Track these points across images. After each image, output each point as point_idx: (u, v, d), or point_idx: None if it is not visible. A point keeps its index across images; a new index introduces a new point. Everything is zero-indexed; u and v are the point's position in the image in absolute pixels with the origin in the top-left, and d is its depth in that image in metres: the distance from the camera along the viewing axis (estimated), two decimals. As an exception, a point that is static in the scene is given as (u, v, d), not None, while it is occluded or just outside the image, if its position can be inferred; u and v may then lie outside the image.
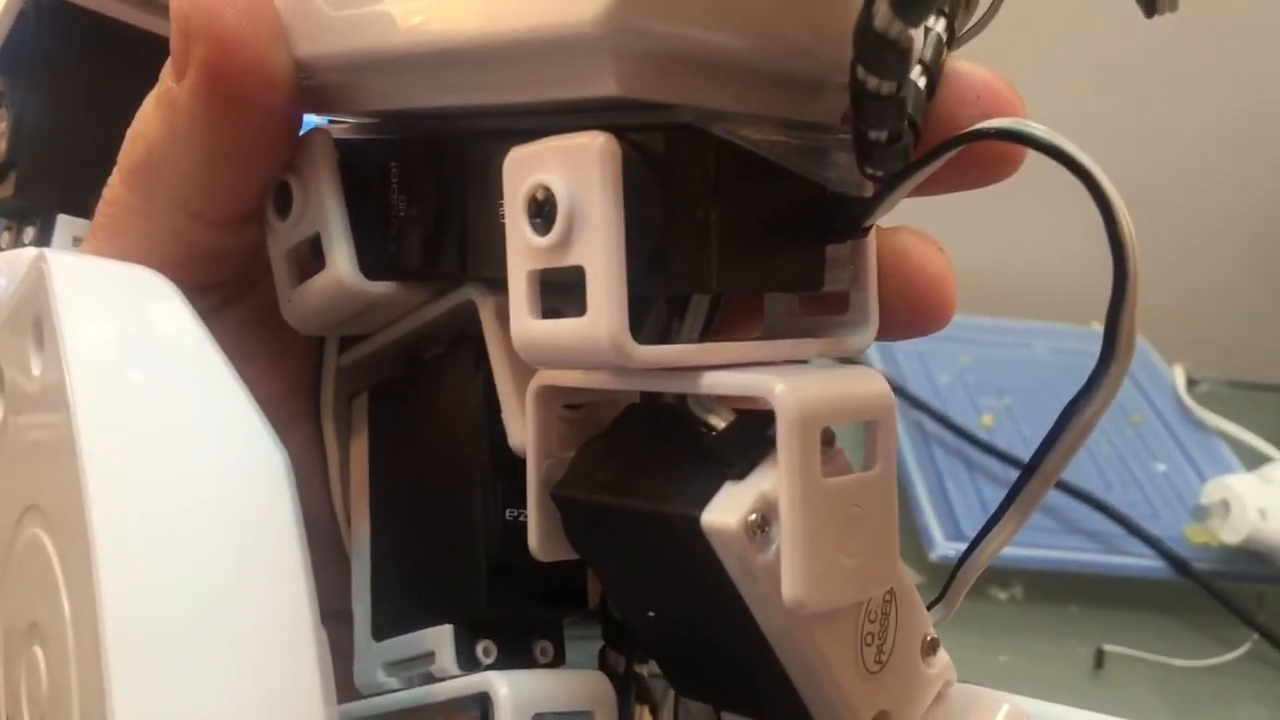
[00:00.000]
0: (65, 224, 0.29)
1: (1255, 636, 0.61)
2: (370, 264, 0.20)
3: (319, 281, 0.20)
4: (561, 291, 0.16)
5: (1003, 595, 0.63)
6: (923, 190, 0.19)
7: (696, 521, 0.16)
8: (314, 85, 0.20)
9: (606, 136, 0.16)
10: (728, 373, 0.17)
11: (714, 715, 0.20)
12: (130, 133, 0.21)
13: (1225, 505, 0.62)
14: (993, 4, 0.19)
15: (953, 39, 0.19)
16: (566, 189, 0.16)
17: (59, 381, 0.16)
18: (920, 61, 0.18)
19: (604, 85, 0.16)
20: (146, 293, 0.18)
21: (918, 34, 0.18)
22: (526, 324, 0.17)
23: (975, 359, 0.80)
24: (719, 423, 0.17)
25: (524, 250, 0.16)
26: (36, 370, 0.18)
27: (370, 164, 0.20)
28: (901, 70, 0.16)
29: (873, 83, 0.16)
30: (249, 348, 0.20)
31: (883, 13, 0.15)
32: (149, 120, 0.20)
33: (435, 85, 0.18)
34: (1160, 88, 0.85)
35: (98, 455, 0.16)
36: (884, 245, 0.20)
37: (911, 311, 0.21)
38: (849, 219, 0.19)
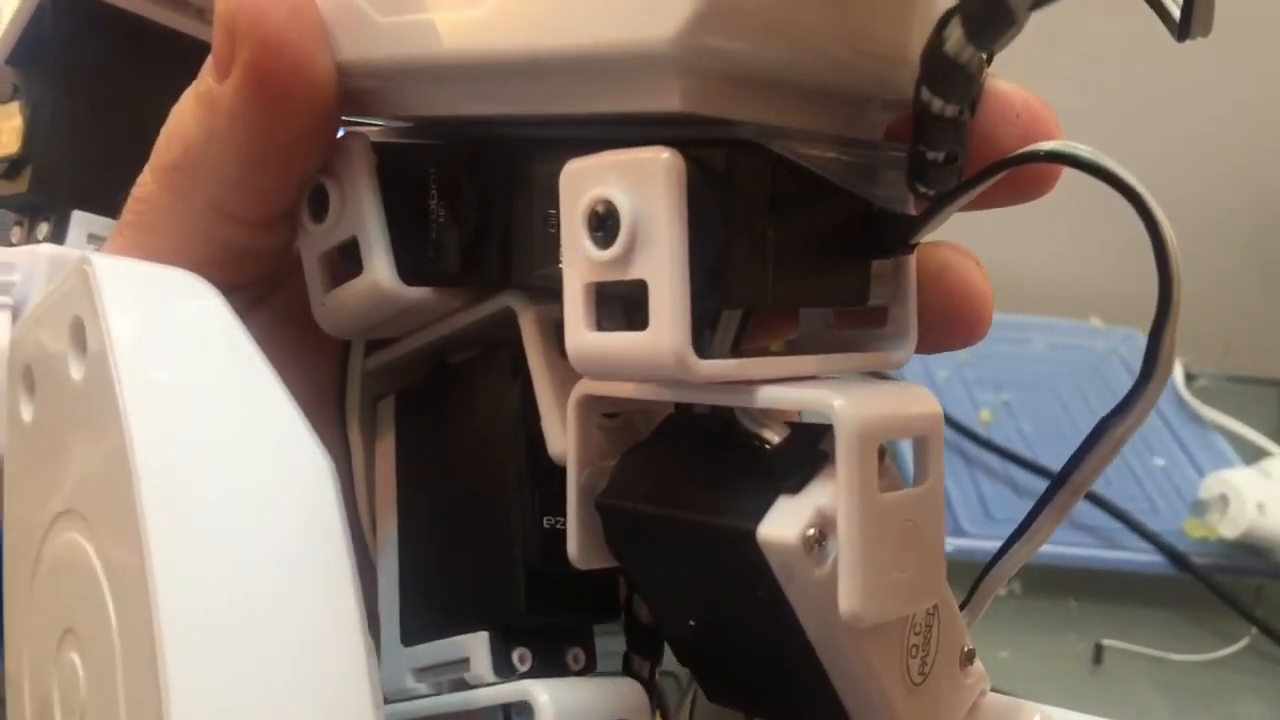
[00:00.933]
0: (80, 220, 0.29)
1: (1254, 631, 0.61)
2: (407, 269, 0.20)
3: (356, 286, 0.20)
4: (606, 302, 0.17)
5: (1002, 591, 0.63)
6: (960, 208, 0.19)
7: (753, 534, 0.16)
8: (352, 89, 0.20)
9: (672, 152, 0.16)
10: (785, 387, 0.17)
11: None
12: (166, 131, 0.21)
13: (1224, 500, 0.62)
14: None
15: (991, 58, 0.19)
16: (630, 203, 0.16)
17: (107, 387, 0.16)
18: None
19: (669, 101, 0.16)
20: (192, 297, 0.19)
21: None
22: (583, 336, 0.17)
23: (973, 354, 0.80)
24: (773, 436, 0.17)
25: (583, 262, 0.16)
26: (77, 375, 0.18)
27: (408, 169, 0.20)
28: (966, 94, 0.16)
29: (937, 105, 0.16)
30: (276, 349, 0.20)
31: (955, 38, 0.15)
32: (187, 119, 0.20)
33: (488, 94, 0.18)
34: (1159, 84, 0.85)
35: (151, 463, 0.16)
36: (925, 260, 0.20)
37: (951, 325, 0.21)
38: (896, 235, 0.19)
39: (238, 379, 0.18)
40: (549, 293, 0.18)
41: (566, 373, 0.19)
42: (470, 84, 0.18)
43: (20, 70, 0.29)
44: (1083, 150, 0.17)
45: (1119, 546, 0.65)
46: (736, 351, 0.20)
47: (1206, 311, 0.91)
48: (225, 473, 0.17)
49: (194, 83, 0.21)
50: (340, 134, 0.21)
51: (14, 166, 0.29)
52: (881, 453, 0.16)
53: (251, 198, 0.21)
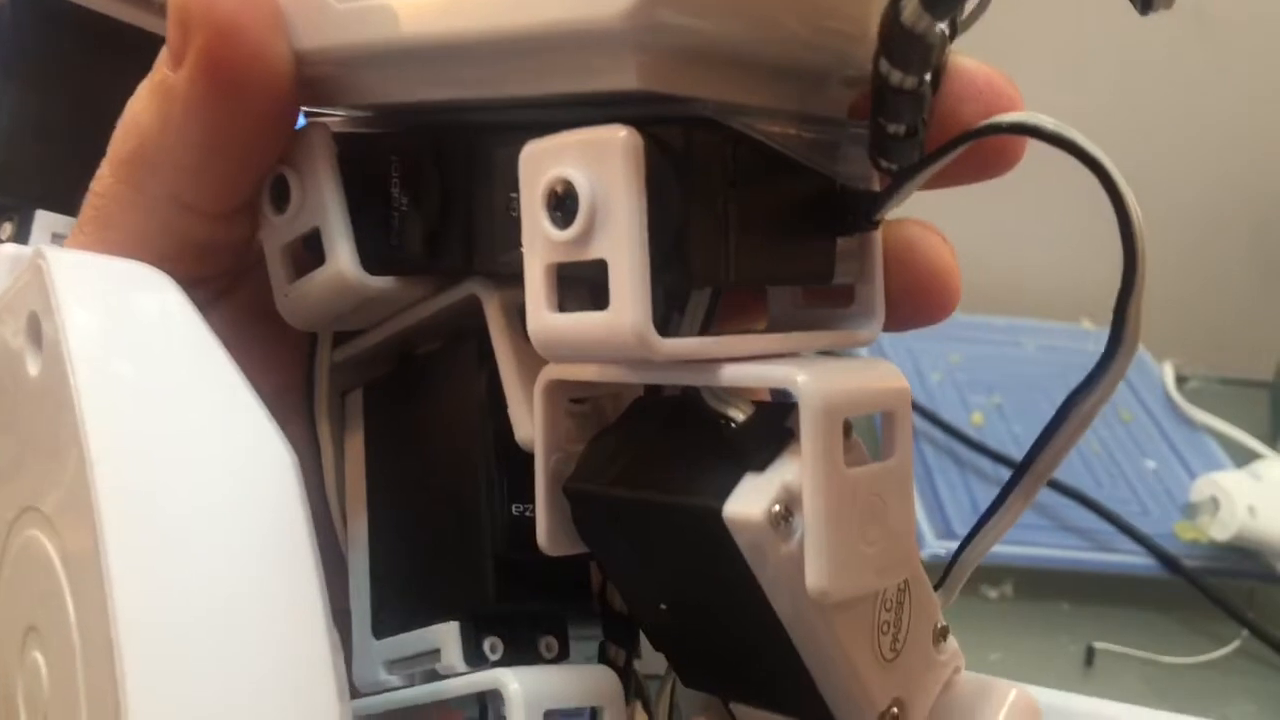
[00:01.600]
0: (44, 220, 0.29)
1: (1245, 633, 0.61)
2: (371, 258, 0.20)
3: (319, 276, 0.20)
4: (570, 286, 0.16)
5: (993, 593, 0.63)
6: (924, 185, 0.19)
7: (718, 513, 0.16)
8: (312, 78, 0.20)
9: (629, 130, 0.15)
10: (748, 365, 0.17)
11: (721, 707, 0.20)
12: (122, 123, 0.21)
13: (1214, 502, 0.62)
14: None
15: (955, 33, 0.19)
16: (588, 182, 0.16)
17: (63, 382, 0.16)
18: None
19: (625, 78, 0.16)
20: (149, 289, 0.18)
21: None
22: (544, 318, 0.16)
23: (965, 357, 0.80)
24: (738, 414, 0.17)
25: (542, 243, 0.16)
26: (34, 370, 0.17)
27: (369, 158, 0.20)
28: (925, 65, 0.16)
29: (896, 76, 0.16)
30: (241, 343, 0.20)
31: (911, 7, 0.15)
32: (142, 110, 0.20)
33: (448, 78, 0.18)
34: (1153, 86, 0.86)
35: (106, 456, 0.16)
36: (890, 237, 0.20)
37: (918, 302, 0.21)
38: (859, 212, 0.19)
39: (197, 373, 0.18)
40: (513, 278, 0.18)
41: (532, 359, 0.19)
42: (430, 68, 0.18)
43: None
44: (1045, 121, 0.17)
45: (1110, 549, 0.65)
46: (705, 332, 0.20)
47: (1198, 313, 0.91)
48: (184, 468, 0.16)
49: (149, 74, 0.20)
50: (300, 124, 0.20)
51: None
52: (847, 428, 0.16)
53: (210, 188, 0.20)
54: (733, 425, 0.17)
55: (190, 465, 0.16)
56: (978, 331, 0.83)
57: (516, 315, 0.20)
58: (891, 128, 0.17)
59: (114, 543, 0.15)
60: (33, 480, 0.18)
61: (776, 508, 0.16)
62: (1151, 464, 0.73)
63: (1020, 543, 0.63)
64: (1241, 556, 0.62)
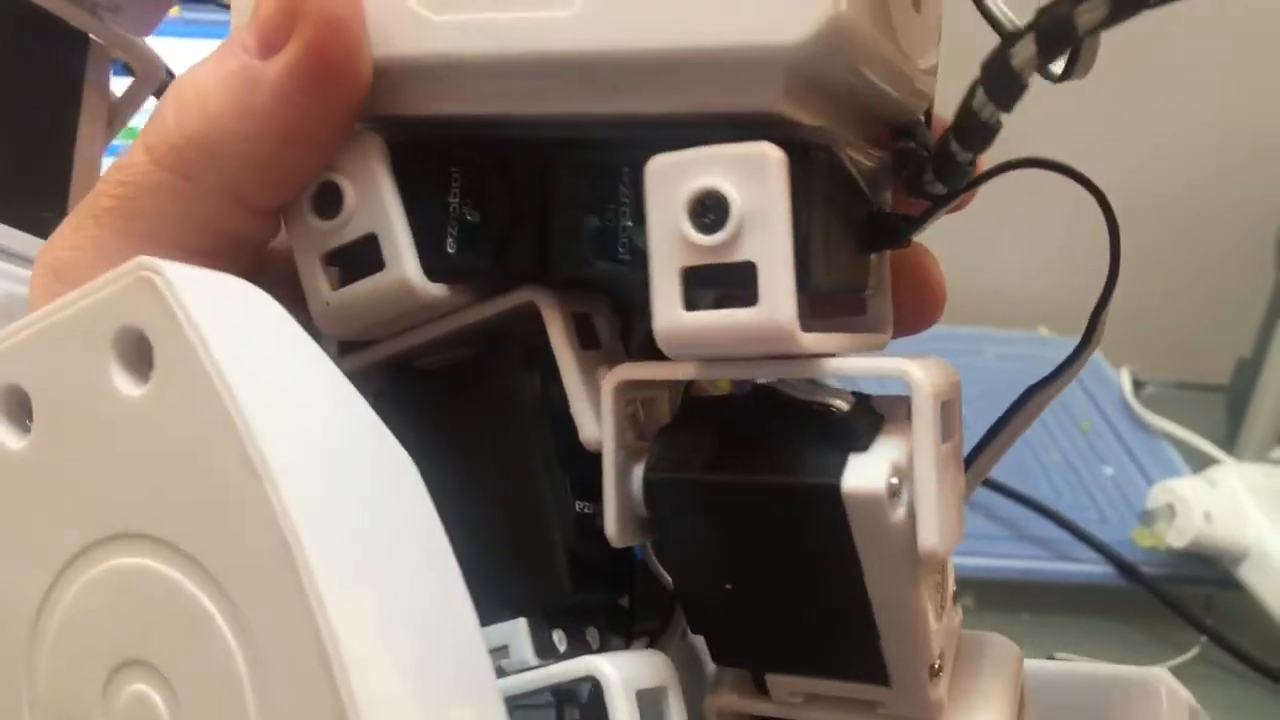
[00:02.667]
0: (5, 234, 0.27)
1: (1204, 639, 0.61)
2: (425, 267, 0.20)
3: (377, 284, 0.20)
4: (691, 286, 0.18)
5: (954, 605, 0.63)
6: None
7: (837, 489, 0.18)
8: (380, 86, 0.20)
9: (777, 148, 0.17)
10: (862, 359, 0.19)
11: (749, 681, 0.22)
12: (174, 105, 0.20)
13: (1170, 509, 0.62)
14: None
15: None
16: (739, 193, 0.17)
17: (205, 402, 0.16)
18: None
19: (767, 101, 0.18)
20: (262, 305, 0.18)
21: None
22: (678, 316, 0.18)
23: (925, 367, 0.80)
24: (843, 404, 0.19)
25: (680, 248, 0.18)
26: (132, 390, 0.17)
27: (423, 166, 0.21)
28: (983, 145, 0.19)
29: (988, 111, 0.19)
30: None
31: (979, 98, 0.18)
32: (211, 93, 0.19)
33: (555, 93, 0.19)
34: (1109, 92, 0.86)
35: (288, 471, 0.15)
36: (909, 258, 0.23)
37: (921, 312, 0.24)
38: (897, 232, 0.21)
39: (328, 387, 0.18)
40: (579, 285, 0.20)
41: (591, 362, 0.21)
42: (539, 82, 0.19)
43: None
44: (1054, 161, 0.21)
45: (1069, 558, 0.65)
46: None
47: (1154, 319, 0.92)
48: (352, 480, 0.17)
49: (216, 56, 0.20)
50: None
51: None
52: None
53: (272, 183, 0.20)
54: (837, 413, 0.19)
55: (355, 479, 0.17)
56: (939, 341, 0.82)
57: (572, 322, 0.21)
58: (962, 155, 0.20)
59: (318, 566, 0.15)
60: (130, 506, 0.17)
61: (893, 480, 0.18)
62: (1110, 471, 0.73)
63: (980, 554, 0.63)
64: (1199, 563, 0.63)
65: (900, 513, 0.18)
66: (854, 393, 0.19)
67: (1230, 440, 0.78)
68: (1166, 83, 0.83)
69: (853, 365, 0.19)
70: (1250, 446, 0.75)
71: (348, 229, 0.20)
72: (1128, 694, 0.25)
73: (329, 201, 0.20)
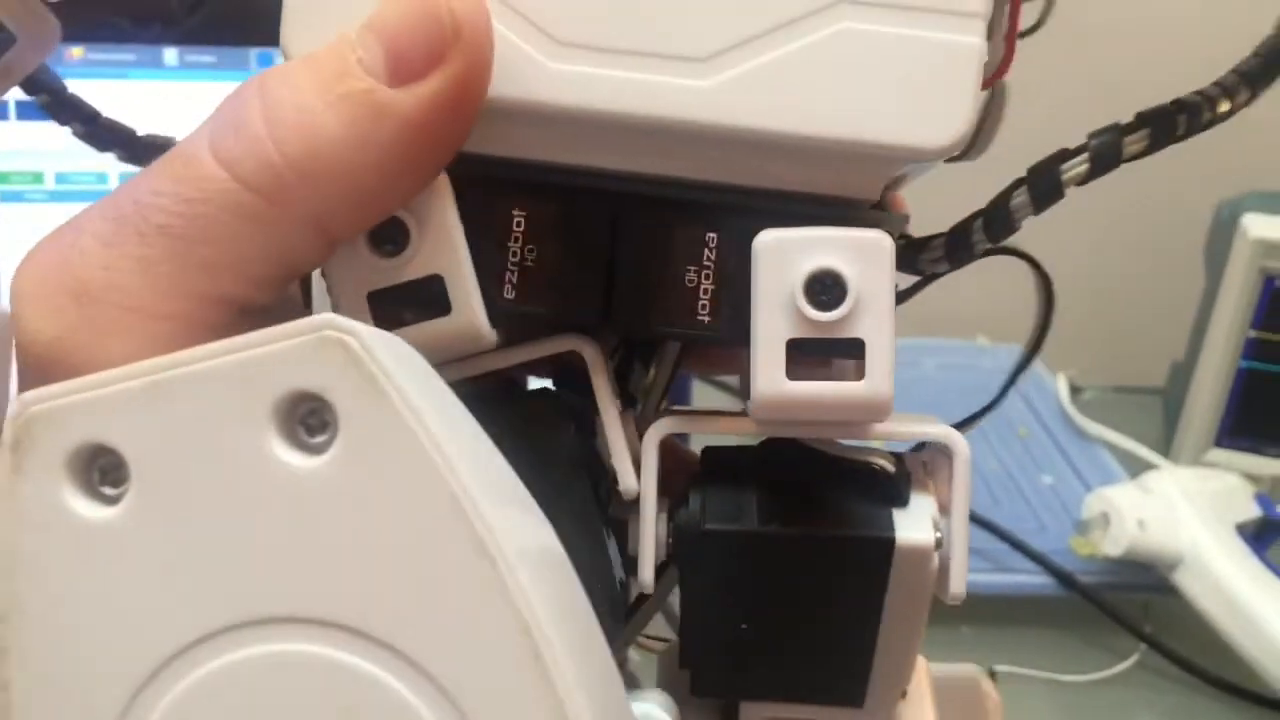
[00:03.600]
0: None
1: (1143, 647, 0.62)
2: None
3: (444, 327, 0.20)
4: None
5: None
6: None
7: (892, 541, 0.20)
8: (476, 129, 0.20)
9: (888, 237, 0.19)
10: (906, 423, 0.21)
11: (719, 711, 0.24)
12: (271, 121, 0.17)
13: (1105, 518, 0.62)
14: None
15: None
16: (855, 274, 0.19)
17: (419, 477, 0.15)
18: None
19: (872, 191, 0.20)
20: (426, 368, 0.17)
21: None
22: (781, 384, 0.19)
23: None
24: (888, 465, 0.21)
25: (791, 320, 0.19)
26: (297, 460, 0.15)
27: (487, 207, 0.20)
28: (1003, 237, 0.21)
29: (980, 243, 0.21)
30: None
31: (1020, 198, 0.21)
32: (321, 116, 0.17)
33: (660, 154, 0.20)
34: (1037, 97, 0.87)
35: (520, 555, 0.15)
36: None
37: None
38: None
39: (489, 455, 0.17)
40: (631, 338, 0.22)
41: (626, 414, 0.22)
42: (652, 144, 0.19)
43: None
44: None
45: (1008, 569, 0.65)
46: (673, 377, 0.24)
47: (1090, 324, 0.93)
48: (550, 560, 0.17)
49: (318, 70, 0.18)
50: None
51: None
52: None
53: (367, 217, 0.18)
54: (883, 472, 0.21)
55: (544, 542, 0.17)
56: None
57: (612, 374, 0.22)
58: (981, 244, 0.22)
59: (575, 683, 0.15)
60: (302, 588, 0.15)
61: (939, 534, 0.20)
62: (1048, 479, 0.74)
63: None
64: (1136, 570, 0.63)
65: (936, 563, 0.20)
66: (894, 454, 0.21)
67: (1166, 444, 0.78)
68: (1095, 95, 0.83)
69: (905, 429, 0.21)
70: (1186, 450, 0.76)
71: (409, 268, 0.19)
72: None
73: (390, 238, 0.19)
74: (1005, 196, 0.21)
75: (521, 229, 0.20)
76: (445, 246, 0.19)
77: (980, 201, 0.22)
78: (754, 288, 0.19)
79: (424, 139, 0.18)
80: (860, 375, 0.19)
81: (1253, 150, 0.88)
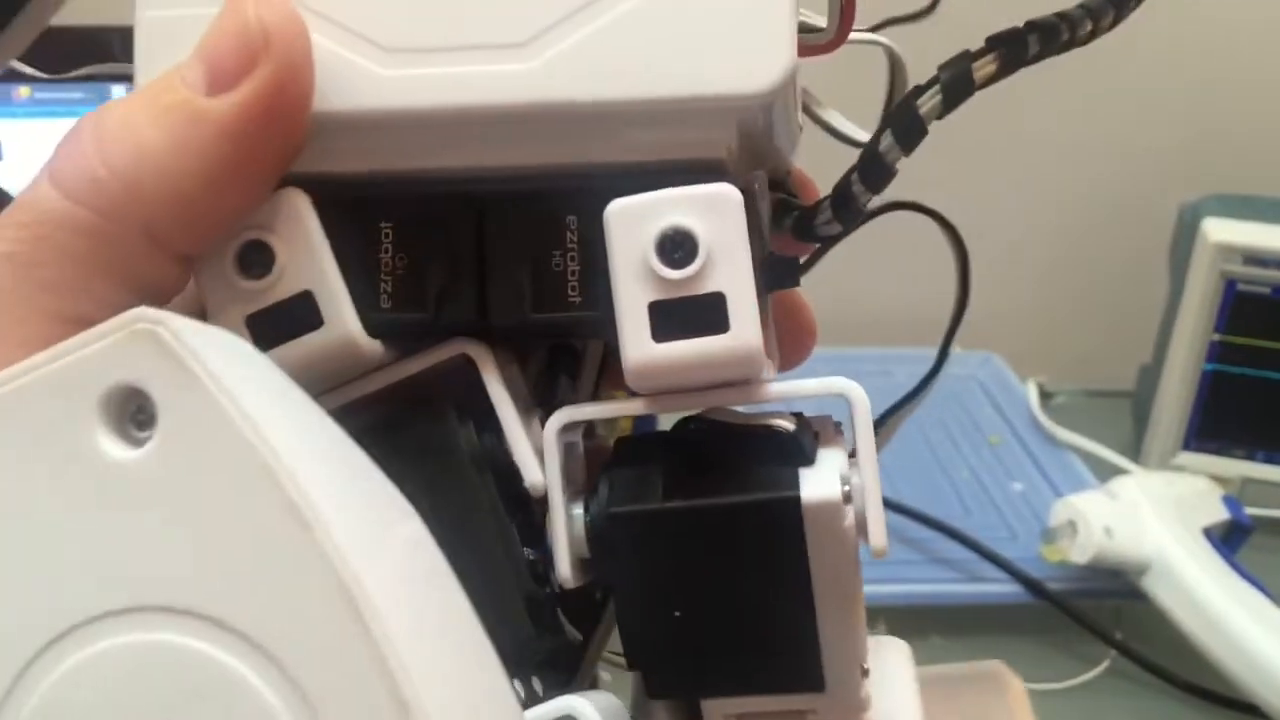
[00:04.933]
0: None
1: (1114, 653, 0.62)
2: (362, 323, 0.20)
3: (318, 341, 0.20)
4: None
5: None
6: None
7: (798, 500, 0.19)
8: (320, 145, 0.20)
9: (734, 188, 0.19)
10: (800, 381, 0.20)
11: (682, 711, 0.23)
12: (97, 137, 0.19)
13: (1072, 526, 0.62)
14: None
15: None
16: (706, 229, 0.19)
17: (234, 455, 0.15)
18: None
19: (718, 149, 0.20)
20: (253, 354, 0.17)
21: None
22: (649, 348, 0.19)
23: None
24: (788, 425, 0.20)
25: (648, 283, 0.19)
26: (122, 452, 0.15)
27: (352, 223, 0.20)
28: (881, 186, 0.21)
29: (862, 195, 0.21)
30: None
31: (886, 141, 0.20)
32: (144, 127, 0.18)
33: (473, 145, 0.20)
34: (1006, 107, 0.87)
35: (336, 518, 0.15)
36: (787, 299, 0.24)
37: (801, 347, 0.25)
38: (793, 274, 0.22)
39: (332, 434, 0.17)
40: (517, 334, 0.21)
41: (526, 410, 0.21)
42: (491, 135, 0.20)
43: None
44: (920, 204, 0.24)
45: (979, 578, 0.65)
46: (596, 394, 0.24)
47: (1059, 329, 0.93)
48: (382, 522, 0.16)
49: (146, 90, 0.19)
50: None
51: None
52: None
53: (196, 227, 0.19)
54: (784, 432, 0.20)
55: (382, 521, 0.16)
56: (848, 364, 0.82)
57: (501, 365, 0.22)
58: (863, 196, 0.21)
59: (398, 634, 0.15)
60: (137, 576, 0.15)
61: (846, 488, 0.19)
62: (1019, 486, 0.74)
63: (891, 580, 0.63)
64: (1106, 576, 0.63)
65: (851, 518, 0.19)
66: (793, 413, 0.21)
67: (1136, 448, 0.78)
68: (1061, 101, 0.84)
69: (798, 387, 0.20)
70: (1154, 454, 0.76)
71: (278, 288, 0.20)
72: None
73: (256, 261, 0.20)
74: (873, 143, 0.21)
75: (390, 239, 0.21)
76: (309, 261, 0.20)
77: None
78: (610, 258, 0.19)
79: (242, 144, 0.18)
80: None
81: (1215, 153, 0.89)
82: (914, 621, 0.63)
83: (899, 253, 0.84)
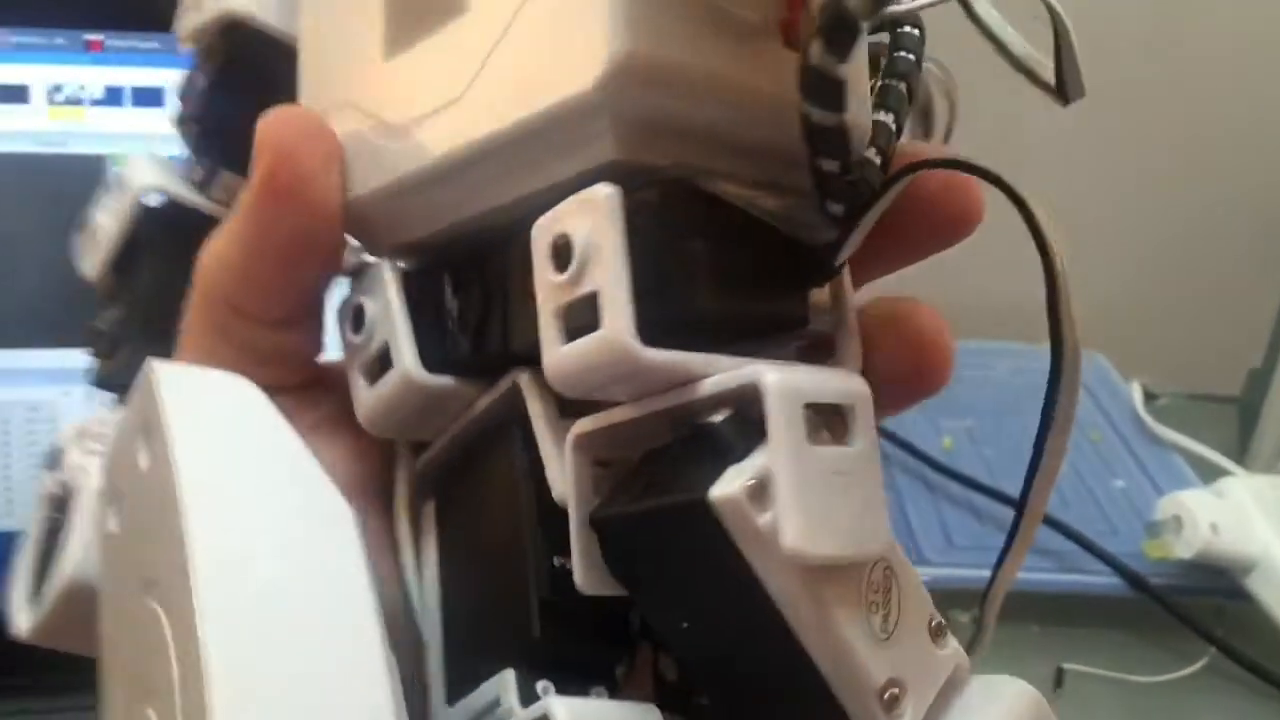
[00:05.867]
0: None
1: (1213, 650, 0.62)
2: (432, 363, 0.23)
3: (388, 379, 0.23)
4: (573, 333, 0.19)
5: (964, 617, 0.63)
6: (891, 260, 0.22)
7: (704, 501, 0.18)
8: (382, 222, 0.23)
9: (610, 186, 0.18)
10: (723, 373, 0.19)
11: None
12: (203, 248, 0.24)
13: (1178, 521, 0.62)
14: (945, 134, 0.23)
15: (899, 132, 0.21)
16: (581, 230, 0.18)
17: (166, 471, 0.19)
18: (875, 145, 0.20)
19: (606, 151, 0.19)
20: (233, 394, 0.22)
21: (858, 72, 0.21)
22: (555, 354, 0.19)
23: (937, 383, 0.81)
24: (716, 417, 0.19)
25: (548, 290, 0.19)
26: (144, 464, 0.20)
27: (427, 281, 0.24)
28: (837, 101, 0.18)
29: (816, 114, 0.18)
30: (328, 446, 0.23)
31: (815, 50, 0.17)
32: (220, 232, 0.23)
33: (469, 189, 0.21)
34: (1115, 103, 0.87)
35: (195, 519, 0.18)
36: (876, 313, 0.22)
37: (918, 374, 0.22)
38: (822, 262, 0.21)
39: (270, 452, 0.21)
40: (535, 359, 0.21)
41: (567, 427, 0.21)
42: (454, 183, 0.21)
43: (117, 270, 0.32)
44: (975, 162, 0.20)
45: (1078, 570, 0.65)
46: None
47: (1166, 331, 0.92)
48: (261, 528, 0.19)
49: None
50: (372, 260, 0.24)
51: (113, 348, 0.32)
52: (817, 425, 0.18)
53: (259, 294, 0.23)
54: (709, 427, 0.19)
55: (265, 526, 0.19)
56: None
57: (549, 390, 0.22)
58: (825, 165, 0.19)
59: (206, 606, 0.17)
60: (148, 556, 0.20)
61: (751, 482, 0.17)
62: (1120, 483, 0.74)
63: (988, 566, 0.64)
64: (1209, 574, 0.63)
65: (769, 516, 0.17)
66: (740, 407, 0.19)
67: (1241, 452, 0.78)
68: (1175, 95, 0.83)
69: (712, 381, 0.19)
70: (1261, 458, 0.75)
71: (372, 342, 0.24)
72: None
73: (358, 320, 0.24)
74: (804, 56, 0.18)
75: (449, 285, 0.23)
76: (387, 318, 0.23)
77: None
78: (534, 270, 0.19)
79: (256, 218, 0.23)
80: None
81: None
82: (1012, 608, 0.62)
83: (1008, 245, 0.84)
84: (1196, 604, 0.64)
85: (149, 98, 0.61)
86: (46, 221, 0.61)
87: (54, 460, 0.28)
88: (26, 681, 0.57)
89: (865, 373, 0.21)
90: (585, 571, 0.20)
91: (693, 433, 0.19)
